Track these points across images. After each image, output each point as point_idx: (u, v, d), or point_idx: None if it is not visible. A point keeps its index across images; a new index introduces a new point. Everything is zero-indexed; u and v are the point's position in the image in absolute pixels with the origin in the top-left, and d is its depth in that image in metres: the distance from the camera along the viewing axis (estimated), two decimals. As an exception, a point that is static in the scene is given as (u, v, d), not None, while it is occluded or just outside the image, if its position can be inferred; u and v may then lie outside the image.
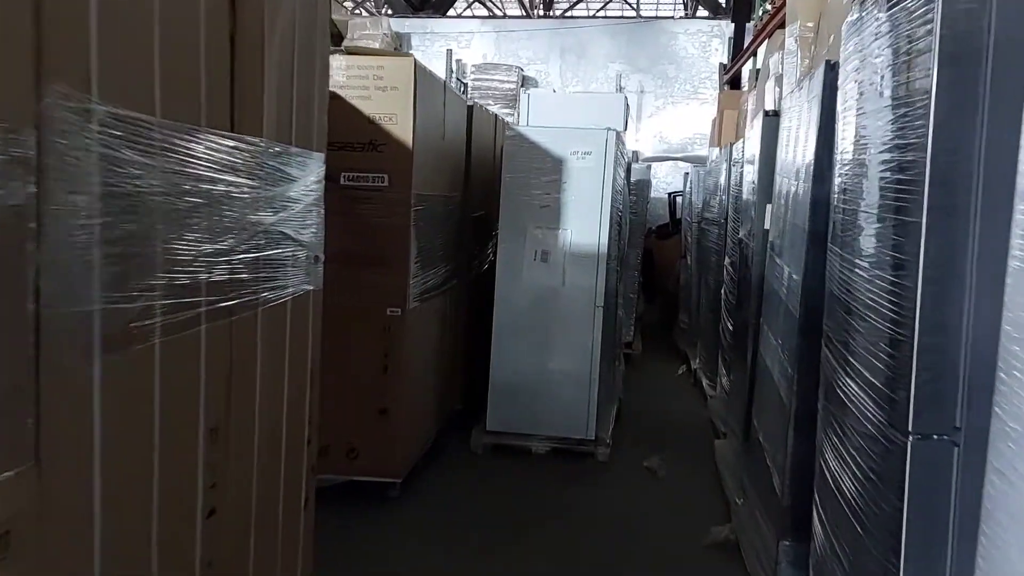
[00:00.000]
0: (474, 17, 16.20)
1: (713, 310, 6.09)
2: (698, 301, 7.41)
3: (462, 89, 11.96)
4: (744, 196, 4.37)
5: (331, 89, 3.74)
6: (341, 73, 3.69)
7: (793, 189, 2.93)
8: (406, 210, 3.72)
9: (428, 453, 4.39)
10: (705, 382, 6.21)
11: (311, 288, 2.60)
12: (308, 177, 2.50)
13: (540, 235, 4.60)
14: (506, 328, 4.65)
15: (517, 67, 12.51)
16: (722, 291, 5.40)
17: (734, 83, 11.42)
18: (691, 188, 8.07)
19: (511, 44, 13.06)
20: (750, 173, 4.25)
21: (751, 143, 4.29)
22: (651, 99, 12.67)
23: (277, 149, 2.22)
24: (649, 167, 8.03)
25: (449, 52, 12.52)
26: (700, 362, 6.61)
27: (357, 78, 3.69)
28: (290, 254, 2.40)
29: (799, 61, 5.27)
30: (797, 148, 2.96)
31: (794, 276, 2.79)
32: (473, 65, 12.56)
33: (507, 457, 4.63)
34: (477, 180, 5.12)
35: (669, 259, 9.26)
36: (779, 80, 6.20)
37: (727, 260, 5.16)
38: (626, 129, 5.46)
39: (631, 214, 6.65)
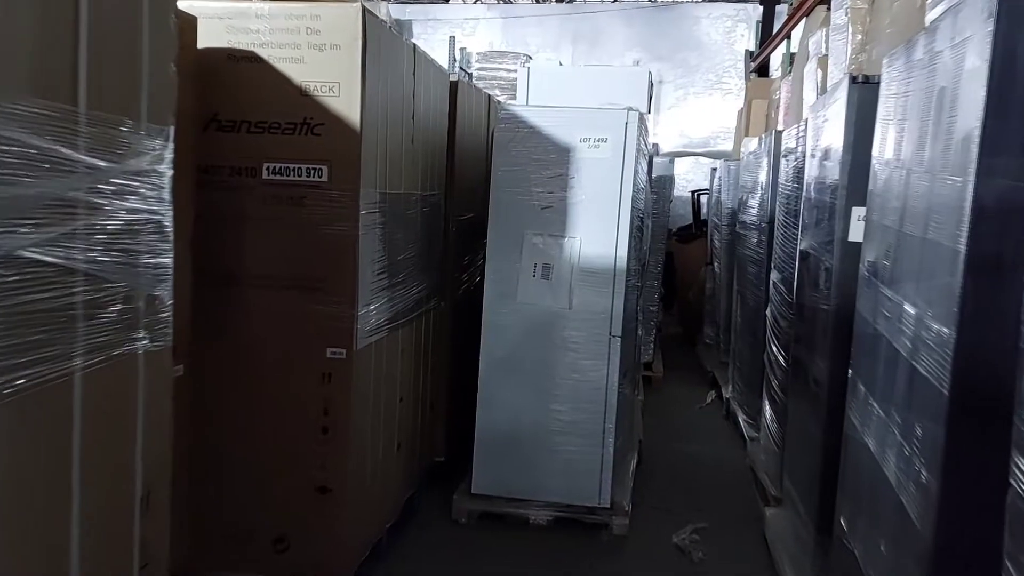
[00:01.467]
0: (480, 2, 15.14)
1: (752, 332, 5.01)
2: (728, 316, 6.33)
3: (467, 81, 10.88)
4: (809, 195, 3.31)
5: (248, 48, 2.69)
6: (263, 26, 2.64)
7: (923, 187, 1.86)
8: (352, 214, 2.66)
9: (395, 527, 3.34)
10: (742, 416, 5.13)
11: (143, 349, 1.55)
12: (122, 165, 1.45)
13: (540, 245, 3.53)
14: (496, 364, 3.59)
15: (526, 55, 11.41)
16: (766, 312, 4.33)
17: (762, 71, 10.33)
18: (719, 185, 6.98)
19: (519, 31, 11.98)
20: (817, 166, 3.18)
21: (822, 127, 3.21)
22: (670, 90, 11.53)
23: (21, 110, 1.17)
24: (672, 161, 6.96)
25: (452, 39, 11.45)
26: (734, 391, 5.52)
27: (284, 32, 2.63)
28: (79, 299, 1.35)
29: (850, 37, 4.30)
30: (925, 126, 1.90)
31: (932, 324, 1.72)
32: (478, 53, 11.48)
33: (498, 529, 3.57)
34: (465, 175, 4.06)
35: (692, 265, 8.16)
36: (822, 62, 5.17)
37: (775, 275, 4.08)
38: (650, 111, 4.39)
39: (652, 216, 5.58)
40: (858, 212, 2.65)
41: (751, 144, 5.55)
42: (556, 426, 3.55)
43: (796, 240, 3.62)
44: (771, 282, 4.27)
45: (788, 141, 4.13)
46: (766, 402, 4.35)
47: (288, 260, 2.69)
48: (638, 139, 3.55)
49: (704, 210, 8.29)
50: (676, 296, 8.68)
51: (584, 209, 3.50)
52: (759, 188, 4.99)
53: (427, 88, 3.45)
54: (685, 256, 8.32)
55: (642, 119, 3.67)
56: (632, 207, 3.53)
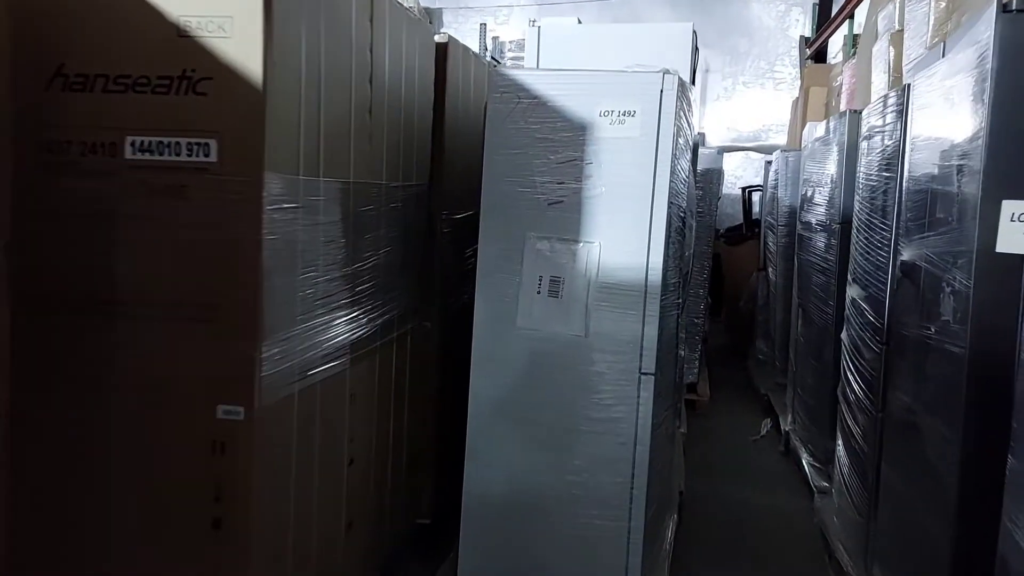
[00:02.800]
0: (516, -9, 14.23)
1: (818, 356, 4.03)
2: (785, 331, 5.34)
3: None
4: (914, 186, 2.35)
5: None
6: (124, -64, 1.79)
7: None
8: (252, 210, 1.78)
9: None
10: (805, 457, 4.15)
11: None
12: None
13: (547, 252, 2.63)
14: (489, 409, 2.69)
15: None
16: (842, 335, 3.36)
17: (819, 58, 9.28)
18: (775, 180, 5.98)
19: (555, 18, 11.06)
20: (930, 146, 2.24)
21: (939, 88, 2.25)
22: (717, 79, 10.49)
23: None
24: (720, 153, 5.98)
25: (483, 27, 10.57)
26: (795, 424, 4.54)
27: (153, -55, 1.78)
28: None
29: (933, 4, 3.45)
30: None
31: None
32: (511, 42, 10.59)
33: (490, 624, 2.70)
34: (459, 162, 3.18)
35: (742, 270, 7.16)
36: (895, 39, 4.21)
37: (855, 291, 3.12)
38: (694, 82, 3.44)
39: (697, 215, 4.63)
40: (1013, 208, 1.71)
41: (816, 129, 4.57)
42: (567, 492, 2.63)
43: (887, 246, 2.66)
44: (848, 298, 3.30)
45: (872, 119, 3.16)
46: (840, 446, 3.38)
47: (163, 278, 1.83)
48: (677, 112, 2.62)
49: (756, 208, 7.27)
50: (724, 304, 7.69)
51: (605, 205, 2.58)
52: (828, 181, 4.01)
53: (397, 45, 2.57)
54: (734, 260, 7.33)
55: (683, 87, 2.73)
56: (670, 202, 2.60)
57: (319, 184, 2.06)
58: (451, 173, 3.09)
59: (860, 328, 2.98)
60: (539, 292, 2.64)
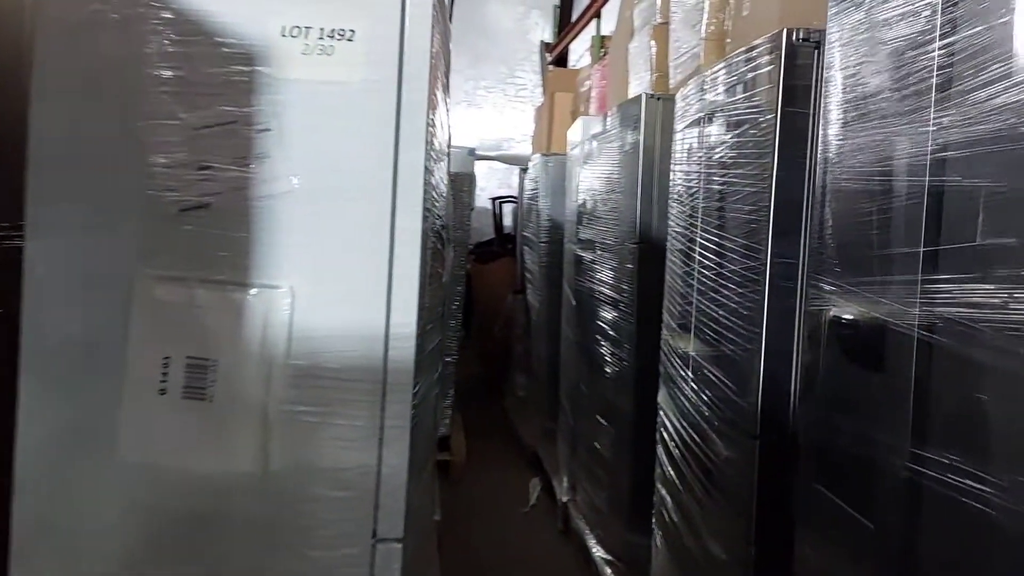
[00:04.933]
0: None
1: (611, 416, 3.01)
2: (552, 366, 4.34)
3: None
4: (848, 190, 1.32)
5: None
6: None
7: None
8: None
9: None
10: (598, 552, 3.09)
11: None
12: None
13: (180, 306, 1.28)
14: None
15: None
16: (664, 400, 2.33)
17: (560, 62, 8.70)
18: (535, 190, 4.99)
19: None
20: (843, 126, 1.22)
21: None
22: (459, 81, 9.54)
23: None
24: (471, 155, 4.89)
25: None
26: (579, 494, 3.50)
27: None
28: None
29: None
30: None
31: None
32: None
33: None
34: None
35: (495, 291, 6.14)
36: (658, 33, 3.66)
37: (686, 343, 2.09)
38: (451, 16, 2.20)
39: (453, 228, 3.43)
40: None
41: (591, 126, 3.59)
42: None
43: (761, 290, 1.64)
44: (668, 348, 2.28)
45: (711, 94, 2.14)
46: (659, 547, 2.36)
47: None
48: (434, 44, 1.39)
49: (519, 222, 6.26)
50: (474, 330, 6.64)
51: (301, 213, 1.29)
52: (617, 189, 3.01)
53: None
54: (486, 280, 6.28)
55: (442, 5, 1.51)
56: (426, 209, 1.36)
57: None
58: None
59: (708, 402, 1.93)
60: (163, 391, 1.26)
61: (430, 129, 1.35)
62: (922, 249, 1.03)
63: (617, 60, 4.65)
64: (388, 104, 1.30)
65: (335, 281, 1.32)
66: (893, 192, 1.11)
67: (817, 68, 1.61)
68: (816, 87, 1.60)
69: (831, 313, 1.26)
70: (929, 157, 1.03)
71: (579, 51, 8.39)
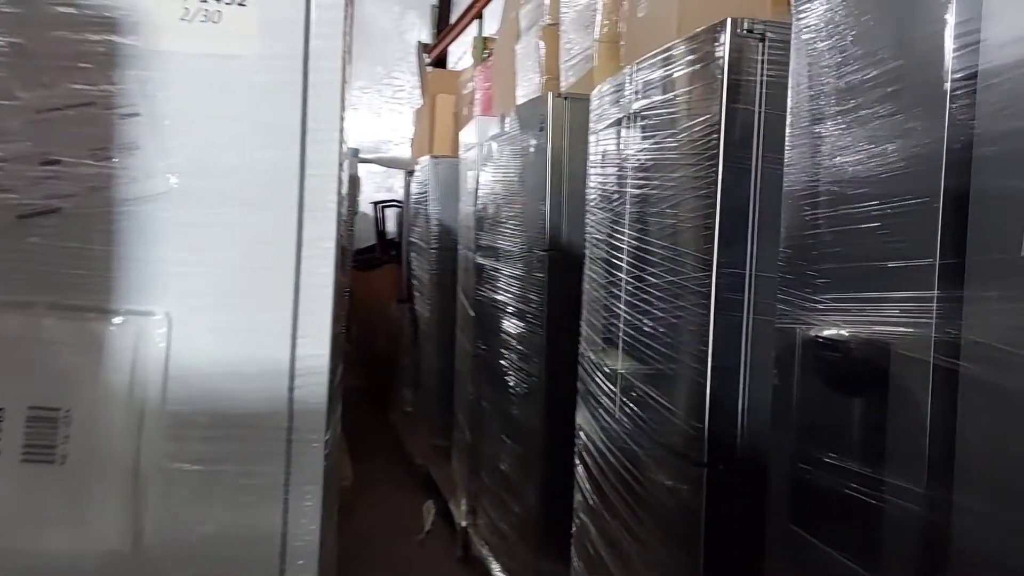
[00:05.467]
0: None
1: (517, 436, 2.82)
2: (445, 381, 4.13)
3: None
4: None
5: None
6: None
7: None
8: None
9: None
10: (498, 572, 2.92)
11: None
12: None
13: (23, 340, 0.99)
14: None
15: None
16: (585, 419, 2.17)
17: (440, 64, 8.54)
18: (425, 193, 4.74)
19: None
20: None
21: None
22: (333, 81, 9.13)
23: None
24: (356, 155, 4.58)
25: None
26: (482, 523, 3.28)
27: None
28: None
29: None
30: None
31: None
32: None
33: None
34: None
35: (378, 300, 5.84)
36: (547, 34, 3.59)
37: (611, 359, 1.92)
38: None
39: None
40: None
41: (488, 127, 3.39)
42: None
43: (705, 302, 1.49)
44: (588, 362, 2.11)
45: (614, 99, 1.99)
46: (579, 571, 2.19)
47: None
48: (346, 19, 1.15)
49: (407, 228, 5.95)
50: (354, 341, 6.30)
51: (180, 219, 1.02)
52: (524, 192, 2.83)
53: None
54: (368, 288, 5.96)
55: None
56: (338, 212, 1.12)
57: None
58: None
59: (643, 425, 1.78)
60: (-4, 453, 0.96)
61: (344, 104, 1.12)
62: (938, 261, 0.89)
63: (503, 62, 4.50)
64: (291, 84, 1.06)
65: (224, 305, 1.06)
66: (895, 196, 0.97)
67: (762, 63, 1.48)
68: (761, 83, 1.48)
69: (811, 332, 1.11)
70: (945, 154, 0.89)
71: (459, 52, 8.24)
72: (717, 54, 1.51)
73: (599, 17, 3.25)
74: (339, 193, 1.14)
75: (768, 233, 1.48)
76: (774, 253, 1.45)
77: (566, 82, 3.54)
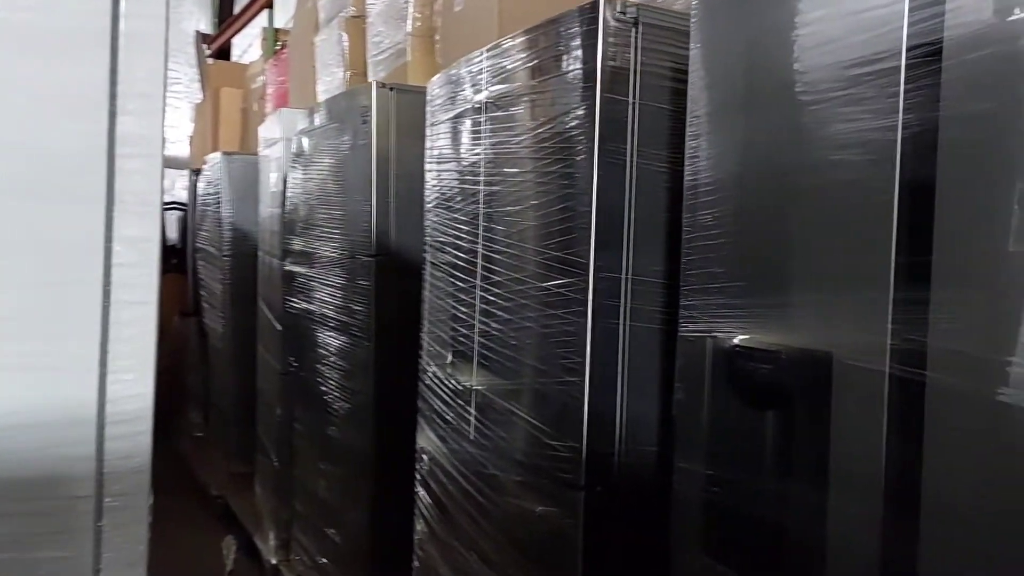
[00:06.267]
0: None
1: (343, 461, 2.56)
2: (243, 402, 3.74)
3: None
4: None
5: None
6: None
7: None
8: None
9: None
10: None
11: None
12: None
13: None
14: None
15: None
16: (430, 443, 1.97)
17: (222, 56, 7.99)
18: (217, 195, 4.28)
19: None
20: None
21: None
22: (96, 69, 8.18)
23: None
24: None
25: None
26: (292, 550, 2.96)
27: None
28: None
29: None
30: None
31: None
32: None
33: None
34: None
35: (160, 312, 5.24)
36: (351, 27, 3.48)
37: (462, 371, 1.75)
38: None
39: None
40: None
41: (295, 121, 3.07)
42: None
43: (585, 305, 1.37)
44: (432, 378, 1.92)
45: (455, 89, 1.82)
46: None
47: None
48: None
49: (191, 234, 5.36)
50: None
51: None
52: (340, 191, 2.58)
53: None
54: (147, 301, 5.33)
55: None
56: (161, 206, 0.86)
57: None
58: None
59: (506, 447, 1.61)
60: None
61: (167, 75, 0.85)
62: (892, 259, 0.81)
63: (299, 55, 4.21)
64: (94, 34, 0.78)
65: (2, 335, 0.76)
66: (834, 187, 0.88)
67: (635, 49, 1.37)
68: (635, 71, 1.37)
69: (726, 342, 1.01)
70: (899, 143, 0.80)
71: (243, 44, 7.71)
72: (586, 40, 1.38)
73: (411, 10, 3.07)
74: (162, 181, 0.87)
75: (645, 234, 1.38)
76: (651, 255, 1.35)
77: (375, 76, 3.32)
